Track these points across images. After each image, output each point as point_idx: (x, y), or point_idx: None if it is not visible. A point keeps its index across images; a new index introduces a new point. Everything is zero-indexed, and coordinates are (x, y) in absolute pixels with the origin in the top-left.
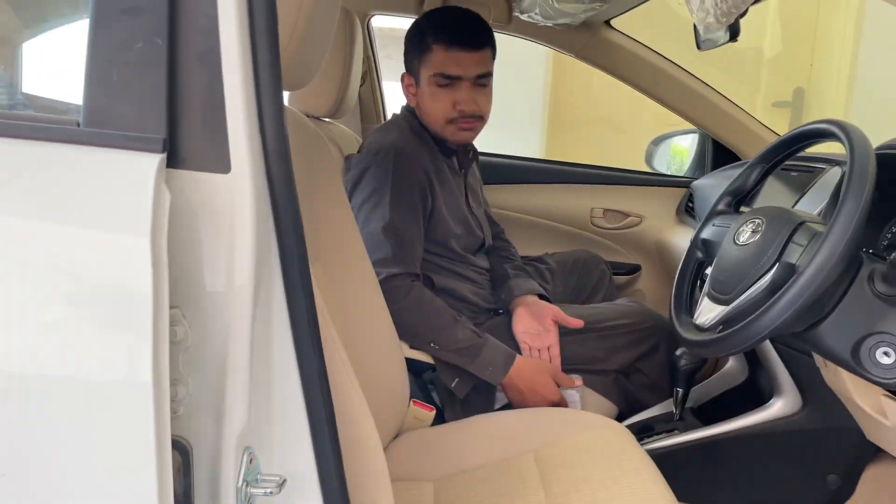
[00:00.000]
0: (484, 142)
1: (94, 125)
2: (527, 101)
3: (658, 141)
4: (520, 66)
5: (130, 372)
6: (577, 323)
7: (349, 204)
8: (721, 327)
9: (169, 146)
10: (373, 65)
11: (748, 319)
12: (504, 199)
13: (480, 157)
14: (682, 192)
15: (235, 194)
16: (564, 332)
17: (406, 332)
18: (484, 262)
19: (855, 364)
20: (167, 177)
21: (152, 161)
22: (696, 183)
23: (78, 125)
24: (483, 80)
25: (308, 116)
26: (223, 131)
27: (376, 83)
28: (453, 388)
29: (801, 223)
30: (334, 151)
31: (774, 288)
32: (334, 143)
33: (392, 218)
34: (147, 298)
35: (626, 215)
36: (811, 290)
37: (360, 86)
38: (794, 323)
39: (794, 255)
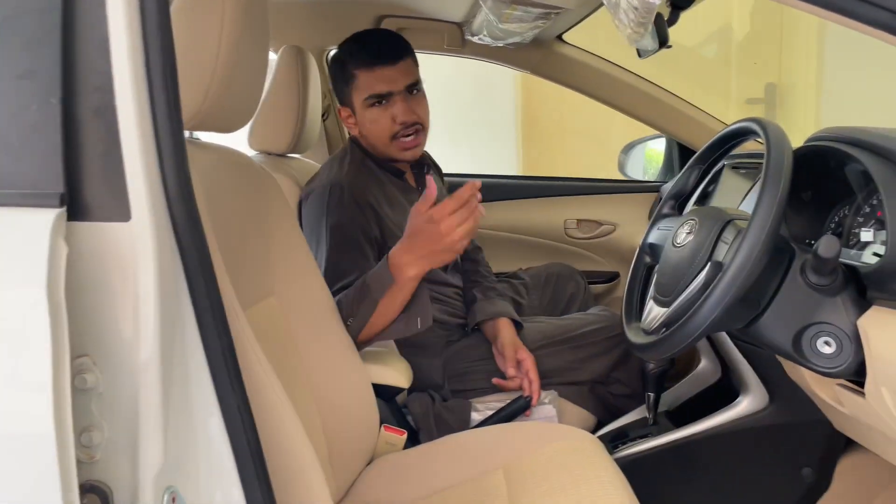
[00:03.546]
0: (461, 160)
1: None
2: (499, 118)
3: (628, 148)
4: (489, 85)
5: (34, 422)
6: None
7: (303, 236)
8: (664, 329)
9: (69, 200)
10: (335, 98)
11: (683, 320)
12: None
13: (450, 178)
14: (653, 196)
15: (137, 241)
16: (538, 347)
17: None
18: (453, 279)
19: (798, 356)
20: (70, 230)
21: (49, 216)
22: (665, 186)
23: None
24: (414, 89)
25: (269, 154)
26: (122, 181)
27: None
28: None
29: (729, 221)
30: (288, 186)
31: (706, 287)
32: (292, 179)
33: (330, 255)
34: (46, 349)
35: (600, 224)
36: (736, 287)
37: (324, 119)
38: (730, 320)
39: (721, 252)
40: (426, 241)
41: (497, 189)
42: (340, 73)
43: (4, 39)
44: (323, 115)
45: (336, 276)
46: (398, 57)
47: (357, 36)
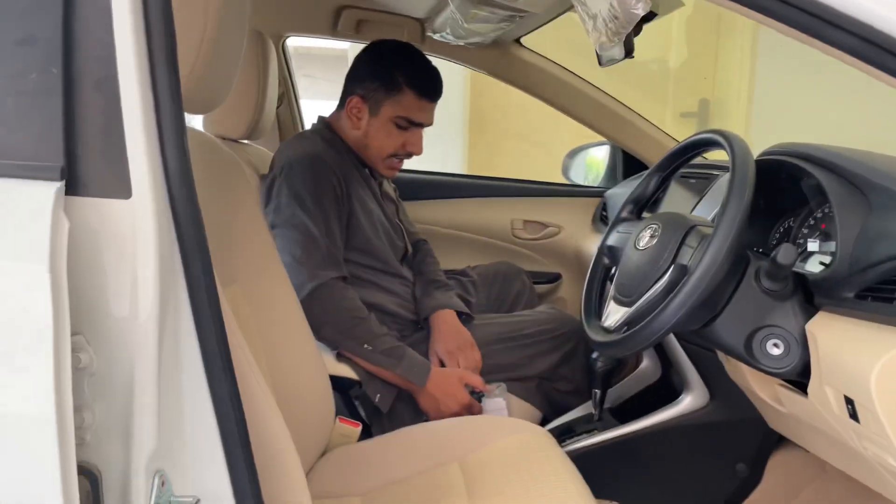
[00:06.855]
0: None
1: None
2: (448, 117)
3: (573, 154)
4: None
5: (33, 402)
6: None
7: (266, 224)
8: (625, 328)
9: (68, 174)
10: (290, 85)
11: (647, 319)
12: (427, 214)
13: (404, 174)
14: (596, 201)
15: (137, 219)
16: (487, 342)
17: (341, 333)
18: (408, 273)
19: (748, 357)
20: (68, 204)
21: (50, 189)
22: (608, 192)
23: None
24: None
25: (224, 139)
26: (123, 157)
27: (294, 103)
28: (377, 403)
29: (693, 227)
30: (249, 173)
31: (670, 288)
32: (250, 165)
33: (311, 225)
34: (47, 327)
35: (545, 226)
36: (701, 289)
37: (278, 107)
38: (689, 320)
39: (686, 256)
40: (447, 386)
41: (446, 187)
42: (385, 76)
43: (3, 3)
44: (278, 103)
45: (314, 241)
46: (440, 98)
47: (415, 55)
